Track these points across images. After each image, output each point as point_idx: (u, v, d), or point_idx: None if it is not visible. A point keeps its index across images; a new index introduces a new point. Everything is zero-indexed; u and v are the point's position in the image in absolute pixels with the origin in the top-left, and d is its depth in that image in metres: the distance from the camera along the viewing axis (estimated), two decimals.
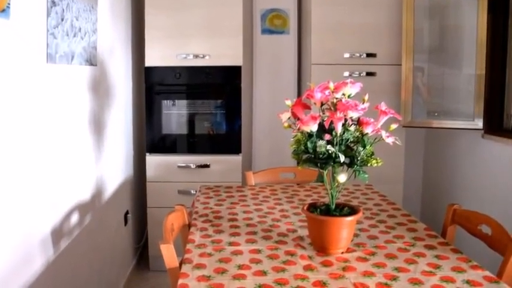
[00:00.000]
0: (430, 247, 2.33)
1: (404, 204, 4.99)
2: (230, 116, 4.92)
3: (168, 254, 2.41)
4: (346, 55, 5.06)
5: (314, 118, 2.24)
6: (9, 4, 2.20)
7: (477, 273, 2.00)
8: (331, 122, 2.23)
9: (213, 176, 4.83)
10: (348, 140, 2.31)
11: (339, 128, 2.24)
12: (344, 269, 2.09)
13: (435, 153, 5.28)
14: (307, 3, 5.34)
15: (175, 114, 5.33)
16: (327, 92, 2.32)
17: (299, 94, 5.65)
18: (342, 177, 2.26)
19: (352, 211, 2.32)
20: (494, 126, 4.22)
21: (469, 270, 2.03)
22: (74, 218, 3.42)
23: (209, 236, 2.69)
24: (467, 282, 1.92)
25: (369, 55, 5.06)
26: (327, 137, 2.35)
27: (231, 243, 2.45)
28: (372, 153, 2.33)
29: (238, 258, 2.36)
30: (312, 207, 2.55)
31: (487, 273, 1.99)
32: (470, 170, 4.52)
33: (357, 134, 2.31)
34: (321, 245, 2.29)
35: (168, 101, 5.24)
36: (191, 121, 5.32)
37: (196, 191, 3.77)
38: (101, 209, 4.11)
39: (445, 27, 4.95)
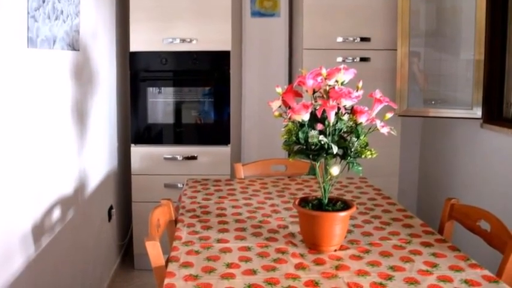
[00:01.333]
0: (426, 244, 2.31)
1: (399, 198, 4.98)
2: (218, 105, 4.86)
3: (154, 251, 2.37)
4: (339, 39, 5.00)
5: (306, 106, 2.18)
6: None
7: (476, 272, 1.98)
8: (324, 111, 2.17)
9: (200, 168, 4.77)
10: (341, 130, 2.26)
11: (331, 117, 2.19)
12: (337, 267, 2.06)
13: (432, 143, 5.26)
14: None
15: (161, 103, 5.25)
16: (319, 79, 2.26)
17: (290, 81, 5.59)
18: (335, 170, 2.22)
19: (346, 206, 2.29)
20: (493, 115, 4.19)
21: (468, 269, 2.01)
22: (56, 214, 3.35)
23: (196, 233, 2.65)
24: (466, 281, 1.90)
25: (363, 39, 5.00)
26: (319, 126, 2.31)
27: (219, 240, 2.43)
28: (366, 144, 2.29)
29: (227, 256, 2.32)
30: (304, 202, 2.51)
31: (486, 272, 1.97)
32: (469, 161, 4.50)
33: (351, 123, 2.26)
34: (313, 242, 2.25)
35: (154, 88, 5.15)
36: (178, 110, 5.24)
37: (183, 185, 3.72)
38: (84, 203, 4.05)
39: (442, 10, 4.90)
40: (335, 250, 2.25)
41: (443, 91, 4.93)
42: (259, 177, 3.69)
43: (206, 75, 5.14)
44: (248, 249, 2.39)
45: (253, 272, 2.13)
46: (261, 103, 5.47)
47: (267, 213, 2.86)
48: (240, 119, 5.82)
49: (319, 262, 2.14)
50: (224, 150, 4.85)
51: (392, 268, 2.05)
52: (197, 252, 2.36)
